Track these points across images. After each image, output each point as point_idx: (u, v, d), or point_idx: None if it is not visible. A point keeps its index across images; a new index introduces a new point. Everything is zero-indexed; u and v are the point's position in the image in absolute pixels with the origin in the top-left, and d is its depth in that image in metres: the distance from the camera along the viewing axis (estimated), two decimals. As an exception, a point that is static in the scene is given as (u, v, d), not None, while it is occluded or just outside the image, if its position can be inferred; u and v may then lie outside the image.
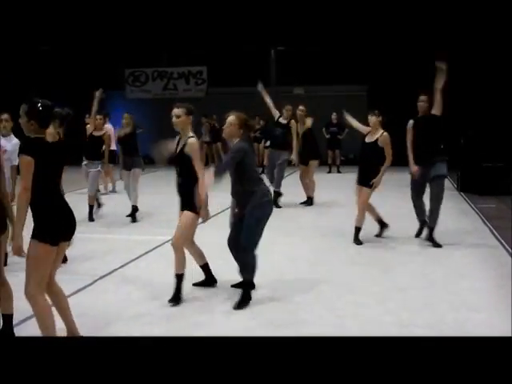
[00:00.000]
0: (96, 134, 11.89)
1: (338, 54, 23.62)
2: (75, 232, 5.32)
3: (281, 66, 25.37)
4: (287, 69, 25.08)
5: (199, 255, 7.28)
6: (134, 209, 11.73)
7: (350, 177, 16.61)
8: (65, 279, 7.57)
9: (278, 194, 12.97)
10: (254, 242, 6.64)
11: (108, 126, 14.16)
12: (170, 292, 6.77)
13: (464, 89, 16.80)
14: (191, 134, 6.77)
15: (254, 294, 6.89)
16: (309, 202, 13.47)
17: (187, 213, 6.71)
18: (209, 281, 7.35)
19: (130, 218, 11.61)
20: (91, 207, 11.68)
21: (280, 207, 12.63)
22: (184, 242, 6.77)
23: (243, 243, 6.60)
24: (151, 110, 25.61)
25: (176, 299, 6.66)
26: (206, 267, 7.34)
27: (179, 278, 6.72)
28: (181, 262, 6.71)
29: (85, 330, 5.85)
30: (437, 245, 9.06)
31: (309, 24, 22.76)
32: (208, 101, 24.99)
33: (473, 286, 7.25)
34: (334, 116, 21.15)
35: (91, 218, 11.60)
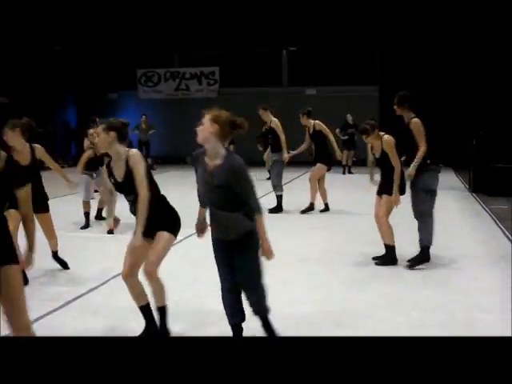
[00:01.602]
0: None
1: (350, 54, 23.63)
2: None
3: (293, 67, 25.40)
4: (299, 69, 25.11)
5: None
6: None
7: (365, 178, 16.59)
8: (77, 278, 7.66)
9: (280, 197, 12.77)
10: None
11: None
12: (183, 291, 6.80)
13: (476, 89, 16.74)
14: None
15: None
16: (325, 207, 12.81)
17: (166, 234, 5.51)
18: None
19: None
20: (87, 214, 11.17)
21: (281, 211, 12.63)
22: (157, 267, 5.55)
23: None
24: (163, 111, 25.72)
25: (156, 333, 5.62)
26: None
27: (162, 311, 5.66)
28: (162, 290, 5.62)
29: (99, 328, 5.89)
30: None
31: (321, 25, 22.78)
32: (220, 101, 25.06)
33: (484, 286, 7.24)
34: (349, 117, 21.05)
35: (86, 225, 11.09)
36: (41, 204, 7.52)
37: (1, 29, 20.63)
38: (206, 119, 5.04)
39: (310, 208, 12.62)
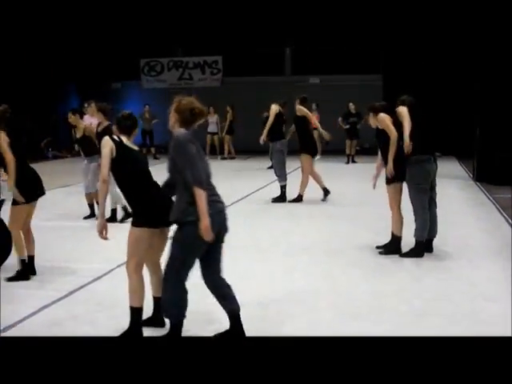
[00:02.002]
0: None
1: (354, 43, 23.54)
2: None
3: (296, 56, 25.34)
4: (302, 58, 25.05)
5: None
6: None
7: (369, 167, 16.55)
8: (81, 268, 7.68)
9: (284, 187, 12.64)
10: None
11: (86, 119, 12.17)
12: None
13: (480, 78, 16.67)
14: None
15: (270, 283, 6.92)
16: (325, 193, 12.66)
17: (130, 228, 5.38)
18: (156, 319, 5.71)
19: None
20: (90, 206, 10.82)
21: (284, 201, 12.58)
22: (136, 264, 5.35)
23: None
24: (167, 100, 25.66)
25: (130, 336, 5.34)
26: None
27: (134, 312, 5.35)
28: (133, 290, 5.36)
29: (103, 318, 5.91)
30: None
31: (324, 13, 22.71)
32: (223, 90, 25.02)
33: (489, 276, 7.24)
34: (352, 106, 20.96)
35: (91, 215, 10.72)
36: None
37: (2, 19, 20.60)
38: (171, 108, 5.13)
39: (298, 199, 12.53)
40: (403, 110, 8.07)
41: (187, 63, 26.55)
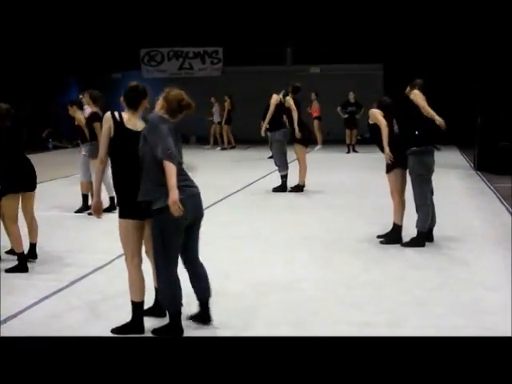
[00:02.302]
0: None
1: (354, 32, 23.46)
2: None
3: (297, 45, 25.27)
4: (303, 48, 24.98)
5: None
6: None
7: (369, 157, 16.58)
8: (82, 258, 7.69)
9: (284, 177, 12.60)
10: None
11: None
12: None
13: (482, 67, 16.64)
14: None
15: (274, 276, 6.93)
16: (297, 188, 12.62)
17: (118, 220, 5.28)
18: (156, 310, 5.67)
19: None
20: (84, 196, 10.55)
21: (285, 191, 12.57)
22: (131, 256, 5.28)
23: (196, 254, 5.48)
24: (167, 90, 25.62)
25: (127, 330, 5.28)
26: None
27: (134, 306, 5.29)
28: (132, 283, 5.30)
29: (105, 309, 5.92)
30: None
31: (325, 2, 22.63)
32: (223, 80, 24.98)
33: (489, 265, 7.24)
34: (351, 95, 20.91)
35: (84, 208, 10.45)
36: None
37: (3, 11, 20.54)
38: (161, 96, 5.20)
39: (299, 189, 12.54)
40: (417, 93, 8.05)
41: (187, 53, 26.49)
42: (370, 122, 8.40)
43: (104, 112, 5.38)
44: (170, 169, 4.81)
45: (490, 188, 12.61)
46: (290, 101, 12.36)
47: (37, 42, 22.65)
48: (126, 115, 5.22)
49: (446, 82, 21.44)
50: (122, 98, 5.31)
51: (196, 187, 5.18)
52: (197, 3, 23.23)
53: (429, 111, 8.00)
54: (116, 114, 5.19)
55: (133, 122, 5.20)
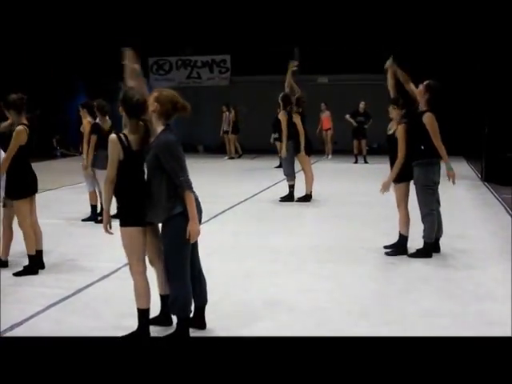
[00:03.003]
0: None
1: (362, 42, 23.48)
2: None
3: (304, 55, 25.28)
4: (311, 58, 24.99)
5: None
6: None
7: (377, 167, 16.55)
8: (89, 266, 7.70)
9: (292, 187, 12.62)
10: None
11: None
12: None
13: (488, 78, 16.63)
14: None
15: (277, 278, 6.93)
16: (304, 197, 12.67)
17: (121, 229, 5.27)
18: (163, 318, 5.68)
19: None
20: (93, 207, 10.62)
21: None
22: (136, 264, 5.30)
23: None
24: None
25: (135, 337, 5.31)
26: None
27: (141, 314, 5.31)
28: (139, 292, 5.33)
29: (111, 317, 5.92)
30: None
31: (332, 12, 22.67)
32: (231, 89, 25.02)
33: (497, 276, 7.22)
34: (361, 105, 20.83)
35: (92, 218, 10.49)
36: None
37: (10, 18, 20.65)
38: (151, 98, 5.15)
39: (307, 198, 12.54)
40: (431, 118, 7.96)
41: (195, 62, 26.57)
42: (389, 133, 8.30)
43: (112, 120, 5.40)
44: (192, 199, 5.01)
45: (497, 199, 12.58)
46: (297, 119, 12.39)
47: (46, 49, 22.76)
48: (129, 135, 5.19)
49: (452, 94, 21.44)
50: (121, 108, 5.25)
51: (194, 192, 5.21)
52: (204, 12, 23.29)
53: (439, 143, 7.93)
54: (122, 136, 5.16)
55: (136, 139, 5.20)
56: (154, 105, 5.10)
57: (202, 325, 5.53)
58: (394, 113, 8.28)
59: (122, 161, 5.14)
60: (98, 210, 10.49)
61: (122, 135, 5.17)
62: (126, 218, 5.20)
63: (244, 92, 24.37)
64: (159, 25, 23.79)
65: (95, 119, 10.54)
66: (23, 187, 7.25)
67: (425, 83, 8.19)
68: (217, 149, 24.12)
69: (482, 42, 18.11)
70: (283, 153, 12.43)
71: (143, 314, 5.28)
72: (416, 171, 8.00)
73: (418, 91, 8.22)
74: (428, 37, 21.58)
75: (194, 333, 5.38)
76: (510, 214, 10.85)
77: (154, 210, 5.11)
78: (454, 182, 8.10)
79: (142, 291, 5.28)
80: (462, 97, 21.36)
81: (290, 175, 12.67)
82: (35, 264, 7.34)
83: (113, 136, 5.18)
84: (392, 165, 8.23)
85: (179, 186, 4.99)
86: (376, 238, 9.02)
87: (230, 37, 24.16)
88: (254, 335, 5.35)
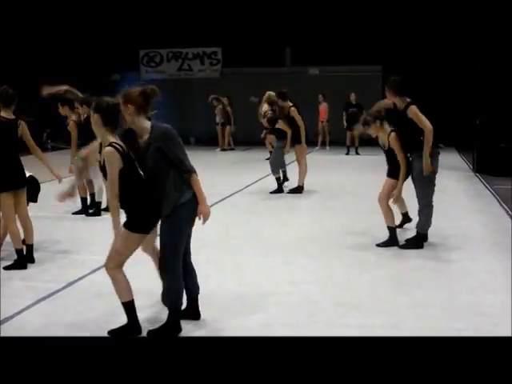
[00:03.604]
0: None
1: (353, 33, 23.45)
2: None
3: (295, 46, 25.24)
4: (302, 49, 24.96)
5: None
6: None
7: (369, 159, 16.55)
8: (80, 259, 7.67)
9: (278, 179, 12.72)
10: None
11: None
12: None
13: (479, 68, 16.64)
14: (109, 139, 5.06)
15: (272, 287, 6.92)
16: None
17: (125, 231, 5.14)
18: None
19: None
20: (83, 200, 10.52)
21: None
22: (119, 264, 5.20)
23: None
24: (166, 91, 25.56)
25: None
26: None
27: (128, 306, 5.26)
28: (122, 288, 5.24)
29: (102, 310, 5.90)
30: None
31: (324, 4, 22.63)
32: (223, 81, 24.96)
33: (488, 268, 7.22)
34: (352, 96, 20.76)
35: (82, 211, 10.52)
36: None
37: (3, 16, 20.55)
38: (121, 104, 5.07)
39: (299, 190, 12.55)
40: (415, 110, 7.88)
41: (186, 54, 26.48)
42: (385, 148, 8.24)
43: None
44: (199, 182, 5.11)
45: (489, 190, 12.59)
46: (294, 113, 12.38)
47: (35, 43, 22.63)
48: (115, 138, 5.02)
49: (444, 84, 21.45)
50: (96, 116, 5.05)
51: None
52: (195, 4, 23.22)
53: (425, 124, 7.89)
54: (118, 146, 4.96)
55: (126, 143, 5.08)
56: (126, 108, 5.03)
57: (196, 315, 5.55)
58: (372, 130, 8.25)
59: (122, 169, 4.97)
60: (89, 202, 10.47)
61: (117, 145, 4.97)
62: (136, 224, 5.09)
63: (235, 84, 24.31)
64: (150, 16, 23.70)
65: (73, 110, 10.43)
66: (4, 180, 7.15)
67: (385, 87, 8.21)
68: (208, 140, 24.05)
69: (473, 35, 18.11)
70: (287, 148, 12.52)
71: (129, 306, 5.22)
72: (417, 162, 7.94)
73: (386, 100, 8.29)
74: (419, 28, 21.56)
75: (187, 324, 5.37)
76: (501, 205, 10.87)
77: (165, 203, 5.06)
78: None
79: (123, 285, 5.19)
80: (454, 88, 21.37)
81: (275, 170, 12.66)
82: (23, 258, 7.30)
83: (110, 149, 4.93)
84: (392, 173, 8.21)
85: (185, 172, 5.03)
86: (368, 230, 9.02)
87: (221, 29, 24.09)
88: (243, 328, 5.35)
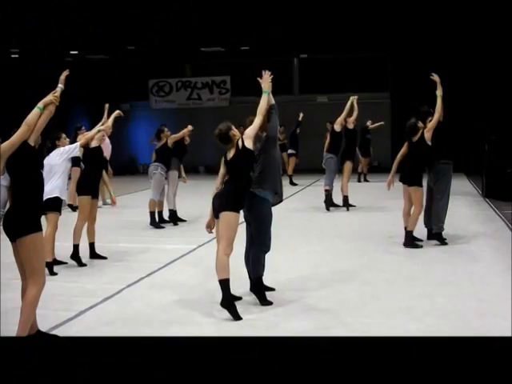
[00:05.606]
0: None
1: (361, 61, 23.61)
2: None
3: (304, 75, 25.42)
4: (310, 77, 25.13)
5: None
6: (172, 213, 12.34)
7: (379, 186, 16.53)
8: (92, 287, 7.70)
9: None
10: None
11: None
12: (198, 300, 6.89)
13: (487, 93, 16.72)
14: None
15: (278, 300, 6.93)
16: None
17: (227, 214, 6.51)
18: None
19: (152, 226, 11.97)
20: (151, 213, 11.98)
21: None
22: (228, 245, 6.46)
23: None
24: (176, 120, 25.77)
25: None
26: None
27: (224, 283, 6.39)
28: (225, 267, 6.45)
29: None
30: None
31: (331, 32, 22.79)
32: (231, 110, 25.12)
33: (499, 293, 7.20)
34: (369, 123, 20.64)
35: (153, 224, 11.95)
36: None
37: (12, 39, 20.77)
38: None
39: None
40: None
41: (195, 83, 26.71)
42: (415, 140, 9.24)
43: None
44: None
45: (498, 215, 12.57)
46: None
47: (45, 72, 22.86)
48: None
49: (453, 111, 21.48)
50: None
51: None
52: (205, 33, 23.44)
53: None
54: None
55: None
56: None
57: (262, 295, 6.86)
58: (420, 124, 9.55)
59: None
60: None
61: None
62: (238, 204, 6.58)
63: (244, 112, 24.41)
64: (159, 47, 23.93)
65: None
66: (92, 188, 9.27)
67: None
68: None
69: (481, 60, 18.21)
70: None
71: (225, 283, 6.32)
72: (447, 170, 9.09)
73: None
74: (427, 54, 21.67)
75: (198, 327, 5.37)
76: (511, 230, 10.84)
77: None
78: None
79: (226, 266, 6.33)
80: (463, 114, 21.42)
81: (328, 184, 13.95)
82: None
83: None
84: (405, 169, 9.14)
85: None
86: (375, 254, 9.02)
87: (230, 58, 24.31)
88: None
